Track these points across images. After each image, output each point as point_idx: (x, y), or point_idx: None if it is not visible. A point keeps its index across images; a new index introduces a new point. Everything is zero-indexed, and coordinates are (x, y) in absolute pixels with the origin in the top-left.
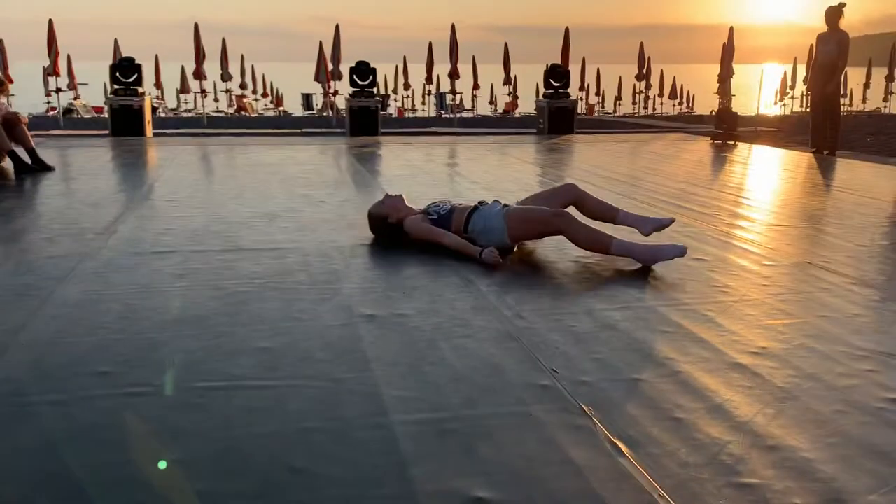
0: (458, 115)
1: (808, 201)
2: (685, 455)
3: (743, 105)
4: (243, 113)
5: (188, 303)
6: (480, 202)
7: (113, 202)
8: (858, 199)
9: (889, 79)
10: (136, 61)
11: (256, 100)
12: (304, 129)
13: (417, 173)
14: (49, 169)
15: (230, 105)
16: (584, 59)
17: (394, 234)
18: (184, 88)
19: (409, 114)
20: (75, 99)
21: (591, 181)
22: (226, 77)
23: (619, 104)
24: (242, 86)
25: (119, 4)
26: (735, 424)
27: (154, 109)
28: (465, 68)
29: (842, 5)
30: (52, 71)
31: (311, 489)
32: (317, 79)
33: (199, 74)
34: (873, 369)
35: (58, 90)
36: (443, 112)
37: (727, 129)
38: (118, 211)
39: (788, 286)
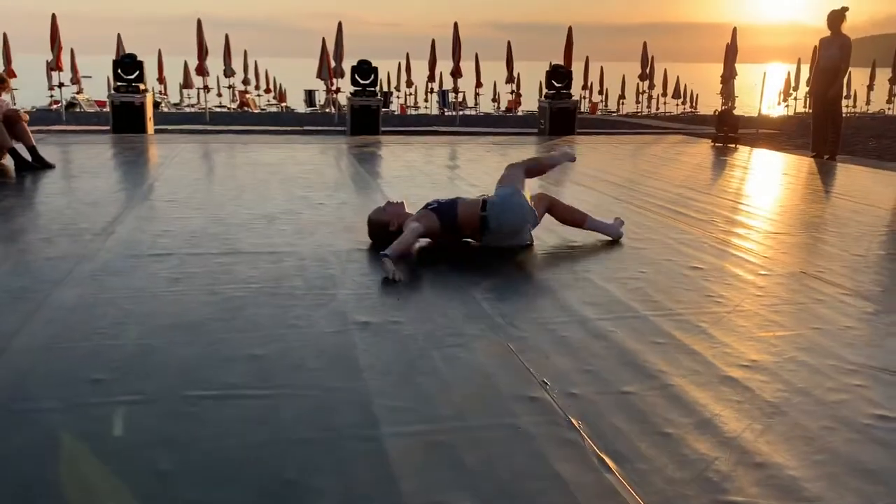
0: (461, 113)
1: (805, 208)
2: (672, 471)
3: (746, 105)
4: (246, 109)
5: (183, 308)
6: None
7: (112, 202)
8: (856, 207)
9: (893, 81)
10: (139, 58)
11: (259, 95)
12: (305, 127)
13: (416, 175)
14: (49, 166)
15: (233, 100)
16: (587, 58)
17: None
18: (187, 83)
19: (411, 111)
20: (78, 93)
21: (589, 185)
22: (229, 73)
23: (623, 103)
24: (245, 81)
25: None
26: (723, 440)
27: (157, 104)
28: (468, 65)
29: (844, 9)
30: (54, 66)
31: (302, 502)
32: (319, 76)
33: (202, 70)
34: (863, 384)
35: (60, 85)
36: (445, 110)
37: (728, 131)
38: (117, 211)
39: (782, 297)
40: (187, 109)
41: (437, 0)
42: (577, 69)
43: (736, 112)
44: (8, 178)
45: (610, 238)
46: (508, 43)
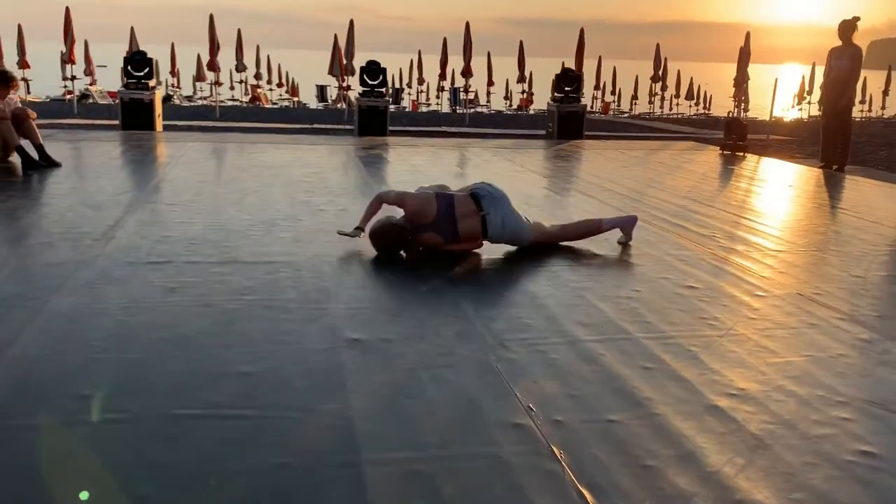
0: (473, 110)
1: (808, 224)
2: None
3: (760, 108)
4: (257, 103)
5: (177, 320)
6: (473, 193)
7: (115, 204)
8: (859, 223)
9: None
10: (151, 53)
11: (271, 90)
12: (314, 125)
13: (421, 180)
14: (56, 165)
15: (245, 94)
16: (599, 58)
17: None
18: (200, 76)
19: (423, 108)
20: (91, 84)
21: (593, 194)
22: (240, 68)
23: (636, 103)
24: (257, 76)
25: None
26: (703, 475)
27: (169, 97)
28: (480, 61)
29: (856, 19)
30: (67, 59)
31: None
32: (331, 72)
33: (213, 66)
34: (850, 418)
35: (73, 77)
36: (457, 107)
37: (736, 139)
38: (119, 214)
39: (776, 320)
40: (199, 102)
41: None
42: (589, 68)
43: (749, 115)
44: (15, 177)
45: (623, 241)
46: (521, 43)
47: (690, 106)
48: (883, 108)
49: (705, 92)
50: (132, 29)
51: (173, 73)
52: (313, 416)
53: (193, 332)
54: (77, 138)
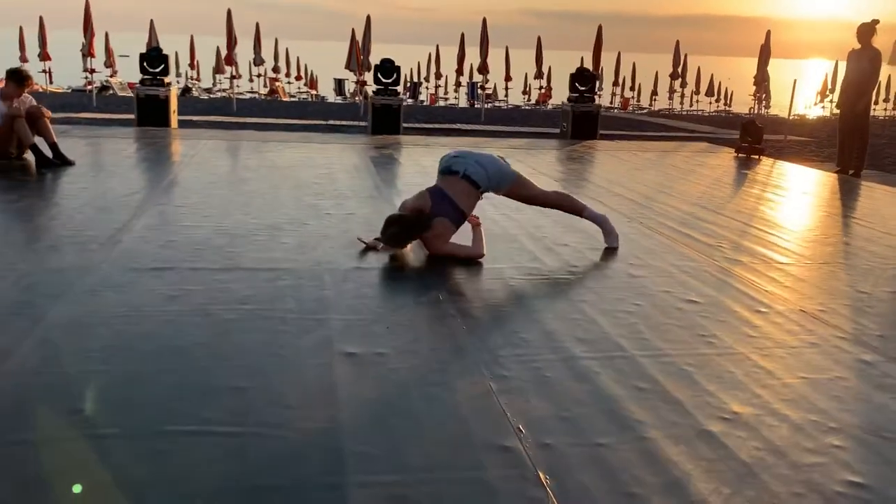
0: (491, 105)
1: (817, 234)
2: None
3: (781, 105)
4: (275, 96)
5: (175, 330)
6: (445, 170)
7: (123, 206)
8: (870, 234)
9: None
10: (168, 47)
11: (290, 82)
12: (329, 122)
13: (430, 182)
14: (69, 163)
15: (264, 86)
16: (619, 54)
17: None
18: (219, 68)
19: (441, 102)
20: (111, 76)
21: (602, 198)
22: (258, 61)
23: (655, 99)
24: (276, 69)
25: None
26: None
27: (188, 90)
28: (499, 53)
29: (875, 22)
30: (87, 52)
31: None
32: (348, 66)
33: (231, 61)
34: (842, 445)
35: (92, 71)
36: (475, 102)
37: (752, 142)
38: (127, 217)
39: (776, 339)
40: (218, 94)
41: None
42: (609, 63)
43: (770, 112)
44: (29, 176)
45: (613, 245)
46: (538, 39)
47: (710, 102)
48: None
49: (726, 88)
50: (151, 22)
51: (192, 65)
52: (301, 436)
53: (190, 344)
54: (92, 135)
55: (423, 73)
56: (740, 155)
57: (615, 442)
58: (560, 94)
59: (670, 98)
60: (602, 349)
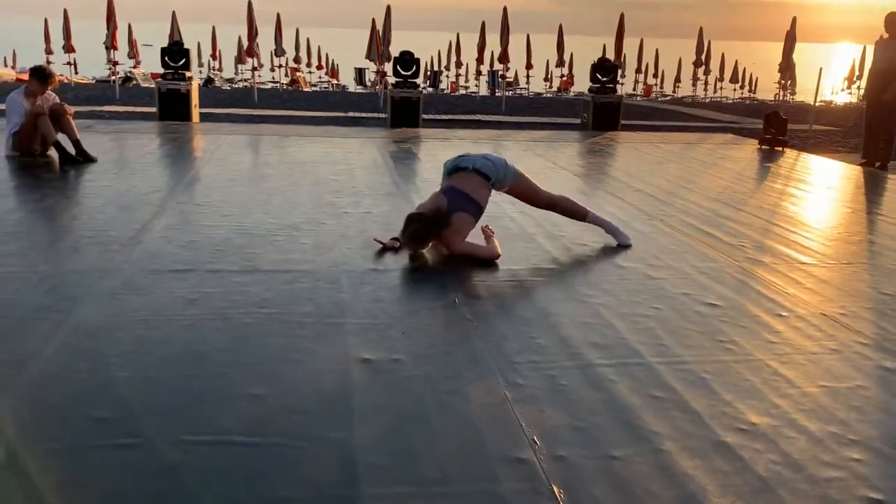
0: (512, 92)
1: (841, 231)
2: None
3: (808, 91)
4: (296, 86)
5: (194, 335)
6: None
7: (145, 204)
8: (895, 232)
9: None
10: (190, 38)
11: (311, 72)
12: (349, 114)
13: None
14: (92, 160)
15: (285, 76)
16: (641, 41)
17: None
18: (241, 58)
19: (461, 90)
20: (134, 67)
21: (622, 195)
22: (279, 52)
23: (679, 86)
24: (297, 60)
25: None
26: None
27: (210, 80)
28: (519, 40)
29: None
30: (110, 44)
31: None
32: (368, 56)
33: (252, 52)
34: (861, 458)
35: (115, 63)
36: (496, 90)
37: (776, 134)
38: (148, 216)
39: (796, 344)
40: (240, 84)
41: None
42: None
43: (797, 98)
44: (52, 173)
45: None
46: (560, 27)
47: (735, 89)
48: None
49: (751, 74)
50: (173, 13)
51: (214, 56)
52: (316, 446)
53: (209, 349)
54: (114, 130)
55: (444, 62)
56: (763, 147)
57: (630, 454)
58: (582, 83)
59: (694, 85)
60: (619, 355)
